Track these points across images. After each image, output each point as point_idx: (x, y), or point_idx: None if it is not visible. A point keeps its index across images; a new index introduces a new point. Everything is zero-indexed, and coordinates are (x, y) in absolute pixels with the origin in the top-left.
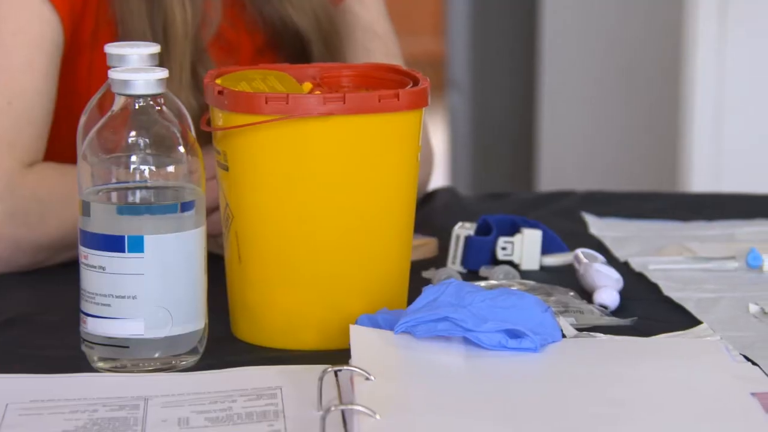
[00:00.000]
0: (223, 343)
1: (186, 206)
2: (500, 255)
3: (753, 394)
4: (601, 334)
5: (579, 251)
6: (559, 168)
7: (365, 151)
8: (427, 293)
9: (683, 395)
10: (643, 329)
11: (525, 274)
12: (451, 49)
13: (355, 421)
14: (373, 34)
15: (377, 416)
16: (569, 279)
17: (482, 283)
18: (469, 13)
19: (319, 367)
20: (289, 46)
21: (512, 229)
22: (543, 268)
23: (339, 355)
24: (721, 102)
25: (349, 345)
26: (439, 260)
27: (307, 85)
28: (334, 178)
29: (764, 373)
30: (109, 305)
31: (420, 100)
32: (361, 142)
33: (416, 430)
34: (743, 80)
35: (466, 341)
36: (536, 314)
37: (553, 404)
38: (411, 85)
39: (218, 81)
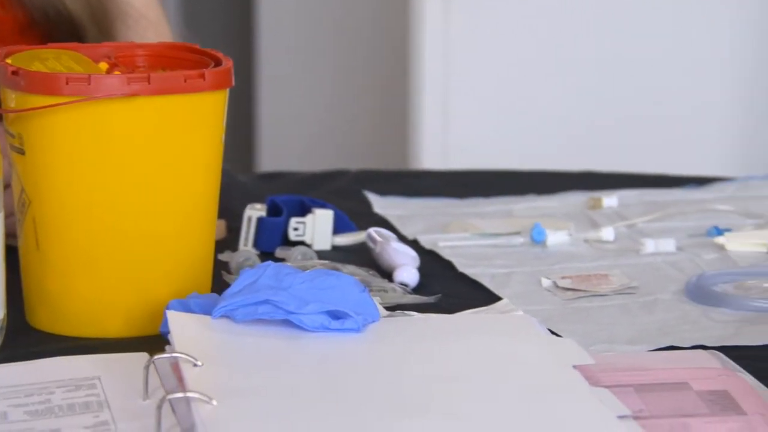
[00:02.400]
0: (19, 334)
1: None
2: (292, 236)
3: (574, 366)
4: (415, 313)
5: (372, 230)
6: (281, 147)
7: (170, 133)
8: (245, 276)
9: (508, 370)
10: (447, 306)
11: (318, 255)
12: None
13: (192, 409)
14: (147, 20)
15: (213, 402)
16: (363, 258)
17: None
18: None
19: (135, 355)
20: (61, 30)
21: (301, 210)
22: (335, 248)
23: (148, 342)
24: (447, 84)
25: (159, 331)
26: (229, 242)
27: (104, 65)
28: (137, 161)
29: (579, 346)
30: None
31: (225, 80)
32: (166, 123)
33: (254, 414)
34: (468, 62)
35: (286, 324)
36: (355, 294)
37: (382, 383)
38: (213, 65)
39: (9, 60)
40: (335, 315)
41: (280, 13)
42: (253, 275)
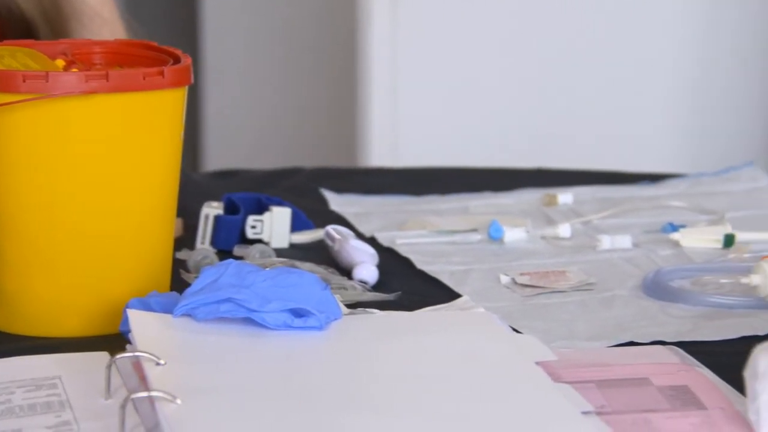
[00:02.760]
0: None
1: None
2: (249, 234)
3: (537, 363)
4: (376, 310)
5: (330, 228)
6: (228, 145)
7: (129, 131)
8: (206, 274)
9: (471, 367)
10: (407, 303)
11: (276, 253)
12: None
13: (156, 408)
14: (101, 19)
15: (178, 401)
16: (321, 256)
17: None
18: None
19: (96, 355)
20: (13, 29)
21: (258, 208)
22: (293, 246)
23: (107, 341)
24: (395, 80)
25: (118, 330)
26: (186, 240)
27: (60, 62)
28: (95, 159)
29: (541, 342)
30: None
31: (184, 77)
32: (125, 121)
33: (219, 412)
34: (417, 58)
35: (248, 322)
36: (317, 292)
37: (345, 381)
38: (171, 62)
39: None
40: (298, 313)
41: (226, 9)
42: (214, 273)
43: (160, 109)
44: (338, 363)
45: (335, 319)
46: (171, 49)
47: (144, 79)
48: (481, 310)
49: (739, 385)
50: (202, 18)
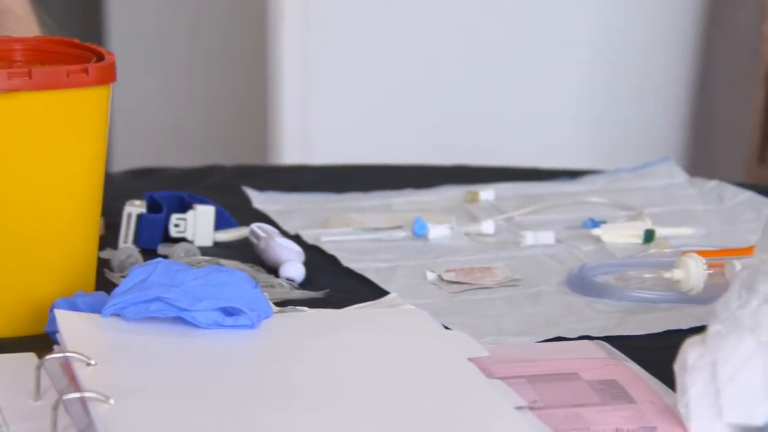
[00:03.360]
0: None
1: None
2: (173, 232)
3: (469, 359)
4: (306, 308)
5: (254, 226)
6: (137, 143)
7: (53, 129)
8: (135, 274)
9: (405, 364)
10: (335, 301)
11: (201, 251)
12: None
13: (90, 408)
14: (14, 15)
15: (111, 401)
16: (246, 254)
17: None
18: None
19: (22, 356)
20: None
21: (181, 206)
22: (217, 244)
23: (32, 342)
24: (306, 78)
25: (44, 330)
26: (109, 239)
27: None
28: (19, 157)
29: (472, 338)
30: None
31: (109, 74)
32: (49, 119)
33: (153, 411)
34: (327, 55)
35: (179, 321)
36: (247, 290)
37: (278, 379)
38: (95, 59)
39: None
40: (228, 312)
41: (132, 7)
42: (143, 272)
43: (84, 107)
44: (269, 361)
45: (266, 317)
46: (94, 46)
47: (68, 76)
48: (410, 307)
49: (665, 378)
50: (107, 14)
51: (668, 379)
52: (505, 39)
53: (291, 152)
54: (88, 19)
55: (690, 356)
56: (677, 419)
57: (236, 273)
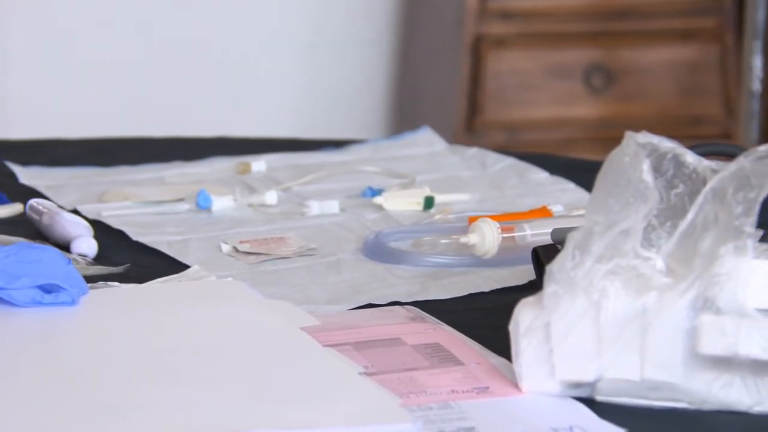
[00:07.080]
0: None
1: None
2: None
3: (302, 328)
4: (116, 283)
5: (34, 201)
6: None
7: None
8: None
9: (239, 336)
10: (136, 276)
11: None
12: None
13: None
14: None
15: None
16: (26, 230)
17: None
18: None
19: None
20: None
21: None
22: None
23: None
24: (4, 51)
25: None
26: None
27: None
28: None
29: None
30: None
31: None
32: None
33: None
34: (25, 30)
35: None
36: (61, 267)
37: (107, 356)
38: None
39: None
40: (47, 289)
41: None
42: None
43: None
44: (96, 338)
45: (84, 294)
46: None
47: None
48: (213, 278)
49: (480, 339)
50: None
51: (482, 340)
52: (211, 15)
53: None
54: None
55: (524, 317)
56: (507, 379)
57: (49, 249)
